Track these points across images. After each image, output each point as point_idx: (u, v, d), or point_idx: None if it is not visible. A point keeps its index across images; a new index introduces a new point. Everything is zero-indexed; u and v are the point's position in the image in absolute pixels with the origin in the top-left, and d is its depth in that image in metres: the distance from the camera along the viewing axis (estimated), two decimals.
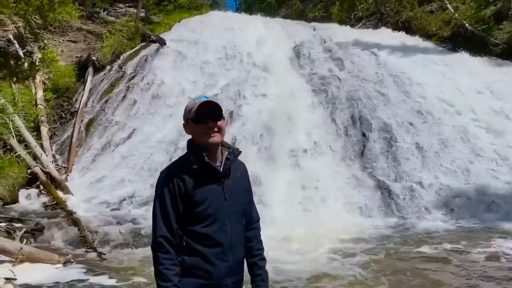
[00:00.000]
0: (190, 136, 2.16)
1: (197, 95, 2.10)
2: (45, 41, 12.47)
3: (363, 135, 9.00)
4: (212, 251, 2.05)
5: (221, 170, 2.10)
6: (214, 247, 2.05)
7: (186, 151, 2.17)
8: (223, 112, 2.13)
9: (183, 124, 2.16)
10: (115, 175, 8.70)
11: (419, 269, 5.33)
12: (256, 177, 7.82)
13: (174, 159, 8.92)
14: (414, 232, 6.94)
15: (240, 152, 2.20)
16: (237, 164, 2.20)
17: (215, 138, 2.07)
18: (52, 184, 8.35)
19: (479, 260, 5.58)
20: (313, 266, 5.49)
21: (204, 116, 2.05)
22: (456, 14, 14.88)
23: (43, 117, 10.22)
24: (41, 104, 10.47)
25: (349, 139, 9.04)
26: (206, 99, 2.06)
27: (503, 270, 5.23)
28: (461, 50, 12.99)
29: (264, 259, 2.28)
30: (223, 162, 2.13)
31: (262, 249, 2.30)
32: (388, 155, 8.52)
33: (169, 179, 2.04)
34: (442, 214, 7.48)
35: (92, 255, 5.87)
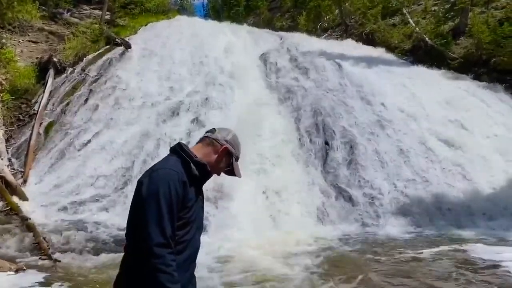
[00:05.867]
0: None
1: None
2: (3, 40, 12.00)
3: (326, 143, 9.15)
4: (183, 258, 2.03)
5: None
6: (186, 254, 2.05)
7: (162, 155, 2.19)
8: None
9: (220, 146, 2.20)
10: (75, 180, 8.45)
11: (378, 275, 5.44)
12: (220, 183, 7.81)
13: (136, 164, 8.66)
14: (374, 239, 7.10)
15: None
16: None
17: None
18: (7, 189, 7.98)
19: (435, 265, 5.76)
20: (275, 272, 5.51)
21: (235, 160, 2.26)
22: (417, 28, 15.46)
23: None
24: None
25: (313, 147, 9.16)
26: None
27: (459, 274, 5.41)
28: (422, 63, 13.52)
29: None
30: None
31: None
32: (350, 163, 8.69)
33: (174, 180, 1.99)
34: (401, 221, 7.69)
35: (47, 262, 5.66)
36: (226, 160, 2.23)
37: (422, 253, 6.27)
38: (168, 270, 1.88)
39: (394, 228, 7.57)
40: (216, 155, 2.19)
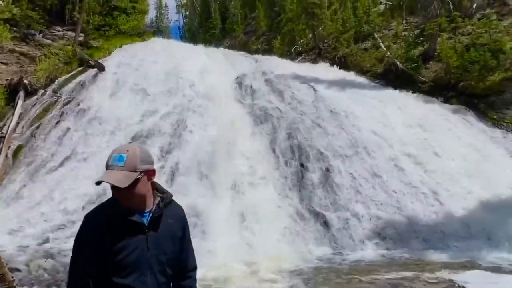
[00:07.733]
0: None
1: (118, 147, 2.04)
2: None
3: (302, 165, 9.19)
4: None
5: (149, 217, 1.97)
6: None
7: None
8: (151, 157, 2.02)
9: None
10: (44, 206, 8.18)
11: None
12: (196, 207, 7.70)
13: (108, 189, 8.47)
14: (349, 262, 7.12)
15: (171, 200, 2.06)
16: (171, 208, 2.06)
17: (128, 203, 1.93)
18: None
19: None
20: None
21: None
22: (388, 53, 15.90)
23: None
24: None
25: (288, 170, 9.19)
26: (114, 165, 1.91)
27: None
28: (393, 87, 13.87)
29: None
30: (153, 208, 1.99)
31: None
32: (325, 186, 8.73)
33: (91, 224, 1.95)
34: (375, 244, 7.73)
35: None
36: None
37: (396, 276, 6.29)
38: None
39: (369, 251, 7.61)
40: None
